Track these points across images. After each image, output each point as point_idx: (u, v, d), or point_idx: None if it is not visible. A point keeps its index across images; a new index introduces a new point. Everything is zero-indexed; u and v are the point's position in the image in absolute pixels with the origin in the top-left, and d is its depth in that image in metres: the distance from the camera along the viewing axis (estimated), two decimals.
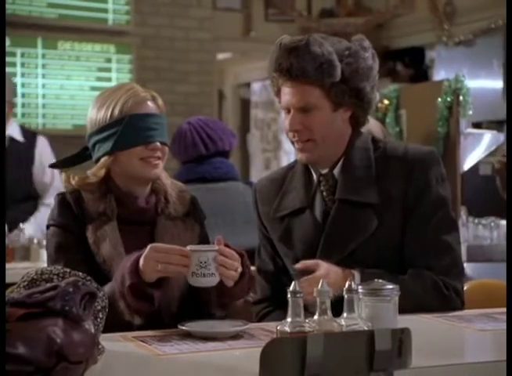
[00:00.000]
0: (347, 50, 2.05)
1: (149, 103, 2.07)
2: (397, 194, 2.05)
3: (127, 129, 2.02)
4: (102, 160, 2.06)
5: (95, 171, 2.07)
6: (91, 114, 2.08)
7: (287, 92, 2.05)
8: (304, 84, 2.02)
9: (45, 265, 2.03)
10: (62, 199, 2.06)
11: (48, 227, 2.07)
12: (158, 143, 2.05)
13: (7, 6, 5.91)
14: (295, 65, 2.00)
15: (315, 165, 2.14)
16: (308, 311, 1.57)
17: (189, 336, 1.72)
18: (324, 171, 2.11)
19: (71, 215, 2.03)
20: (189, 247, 1.83)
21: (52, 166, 2.23)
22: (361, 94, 2.06)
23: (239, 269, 1.87)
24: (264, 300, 2.23)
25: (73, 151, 2.18)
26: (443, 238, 2.05)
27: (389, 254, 2.04)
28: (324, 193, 2.10)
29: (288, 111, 2.07)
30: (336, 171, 2.10)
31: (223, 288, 1.88)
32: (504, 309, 2.02)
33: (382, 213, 2.03)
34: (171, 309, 2.04)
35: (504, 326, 1.82)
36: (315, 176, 2.13)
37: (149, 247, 1.83)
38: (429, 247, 2.04)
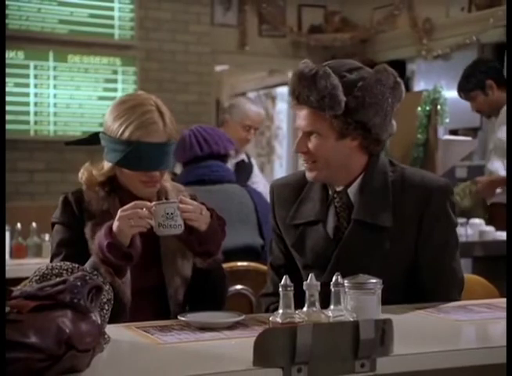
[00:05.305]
0: (361, 81, 1.96)
1: (160, 131, 2.00)
2: (412, 218, 1.99)
3: (132, 154, 1.98)
4: (108, 165, 2.05)
5: (102, 173, 2.07)
6: (108, 119, 2.05)
7: (298, 116, 2.03)
8: (310, 111, 1.97)
9: None
10: (64, 199, 2.07)
11: (52, 225, 2.08)
12: (158, 173, 2.02)
13: (21, 23, 5.91)
14: (302, 93, 1.96)
15: (324, 183, 2.08)
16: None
17: (188, 326, 1.71)
18: (339, 189, 2.04)
19: (71, 214, 2.04)
20: (154, 203, 1.89)
21: (68, 143, 2.27)
22: (367, 126, 1.96)
23: (204, 211, 1.94)
24: (275, 294, 2.15)
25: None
26: (454, 266, 2.05)
27: (401, 272, 2.00)
28: (337, 209, 2.05)
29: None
30: (350, 190, 2.03)
31: (200, 236, 1.93)
32: (479, 301, 2.03)
33: (395, 235, 1.98)
34: (177, 297, 2.04)
35: (478, 317, 1.83)
36: (330, 191, 2.07)
37: (119, 210, 1.88)
38: (443, 275, 2.03)
